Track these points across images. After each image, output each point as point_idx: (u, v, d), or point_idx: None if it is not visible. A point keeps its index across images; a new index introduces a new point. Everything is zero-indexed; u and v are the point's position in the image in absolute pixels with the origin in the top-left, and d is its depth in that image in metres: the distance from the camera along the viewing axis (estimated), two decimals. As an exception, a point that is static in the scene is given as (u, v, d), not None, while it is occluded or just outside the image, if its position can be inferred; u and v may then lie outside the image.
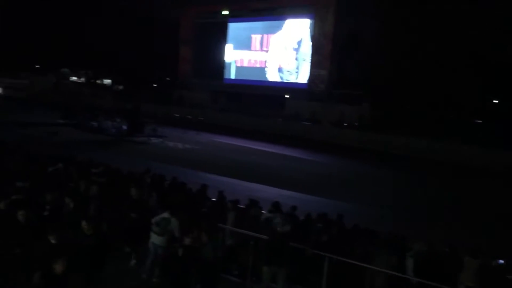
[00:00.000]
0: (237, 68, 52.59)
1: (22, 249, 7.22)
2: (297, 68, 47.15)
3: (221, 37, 52.97)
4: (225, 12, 53.21)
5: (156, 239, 9.13)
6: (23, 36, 64.85)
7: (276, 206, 11.35)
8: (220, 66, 53.37)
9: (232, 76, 53.07)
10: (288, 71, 47.82)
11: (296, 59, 47.18)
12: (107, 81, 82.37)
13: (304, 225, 10.88)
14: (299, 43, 46.76)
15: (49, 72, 71.84)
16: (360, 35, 42.04)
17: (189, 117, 44.87)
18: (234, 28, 52.46)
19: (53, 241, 6.89)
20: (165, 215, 9.24)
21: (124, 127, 35.29)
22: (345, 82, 42.75)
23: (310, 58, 45.68)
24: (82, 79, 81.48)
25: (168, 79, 64.57)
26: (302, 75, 46.68)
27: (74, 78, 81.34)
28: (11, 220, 7.92)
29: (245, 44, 51.24)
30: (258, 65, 50.44)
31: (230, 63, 53.10)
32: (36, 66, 72.85)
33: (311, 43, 45.55)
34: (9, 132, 26.51)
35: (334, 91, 43.47)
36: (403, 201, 19.80)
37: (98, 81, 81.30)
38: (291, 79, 47.63)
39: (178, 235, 9.07)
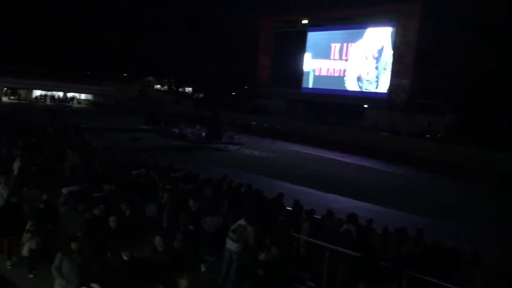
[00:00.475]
0: (315, 77, 52.29)
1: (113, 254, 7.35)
2: (377, 77, 45.99)
3: (300, 46, 53.00)
4: (305, 21, 53.26)
5: (231, 245, 9.17)
6: (111, 45, 68.86)
7: (352, 218, 11.03)
8: (298, 75, 53.37)
9: (310, 85, 52.84)
10: (368, 80, 46.77)
11: (376, 68, 46.05)
12: (188, 89, 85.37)
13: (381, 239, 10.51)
14: (380, 51, 45.60)
15: (135, 80, 75.79)
16: (444, 43, 40.28)
17: (266, 125, 45.19)
18: (313, 37, 52.29)
19: (125, 258, 6.90)
20: (242, 222, 9.29)
21: (203, 134, 36.24)
22: (428, 92, 41.10)
23: (391, 67, 44.38)
24: (165, 87, 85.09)
25: (246, 87, 65.68)
26: (382, 84, 45.46)
27: (158, 86, 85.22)
28: (105, 225, 8.45)
29: (324, 53, 50.87)
30: (336, 74, 49.83)
31: (308, 72, 52.94)
32: (124, 74, 77.11)
33: (392, 52, 44.26)
34: (98, 137, 28.18)
35: (416, 101, 41.89)
36: (483, 216, 18.64)
37: (180, 89, 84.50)
38: (371, 88, 46.53)
39: (252, 242, 9.07)
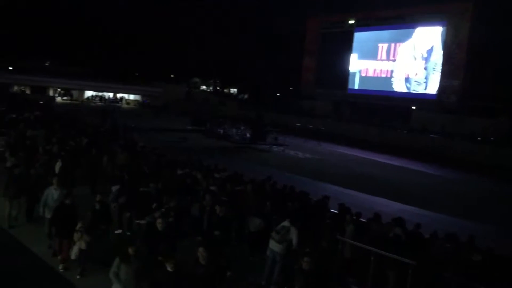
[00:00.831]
0: (362, 78, 51.50)
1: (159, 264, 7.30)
2: (426, 78, 44.75)
3: (345, 47, 52.35)
4: (351, 21, 52.59)
5: (275, 246, 9.16)
6: (159, 48, 70.45)
7: (398, 222, 10.76)
8: (344, 76, 52.73)
9: (356, 86, 52.09)
10: (416, 81, 45.59)
11: (425, 68, 44.82)
12: (233, 90, 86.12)
13: (429, 244, 10.22)
14: (429, 52, 44.35)
15: (183, 81, 77.19)
16: (496, 43, 38.72)
17: (310, 126, 44.87)
18: (360, 38, 51.53)
19: (169, 269, 6.76)
20: (286, 223, 9.26)
21: (248, 134, 36.41)
22: (480, 94, 39.60)
23: (441, 68, 43.08)
24: (211, 88, 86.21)
25: (291, 88, 65.53)
26: (431, 85, 44.20)
27: (204, 87, 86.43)
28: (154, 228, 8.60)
29: (370, 54, 50.02)
30: (383, 75, 48.88)
31: (354, 73, 52.22)
32: (171, 75, 78.68)
33: (442, 52, 42.96)
34: (146, 137, 28.88)
35: (467, 103, 40.47)
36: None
37: (225, 90, 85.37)
38: (419, 89, 45.33)
39: (295, 244, 9.02)
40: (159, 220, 8.36)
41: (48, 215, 9.60)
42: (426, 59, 44.74)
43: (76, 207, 9.41)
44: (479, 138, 35.99)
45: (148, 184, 12.63)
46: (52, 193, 9.82)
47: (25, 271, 8.69)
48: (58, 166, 13.35)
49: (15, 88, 60.97)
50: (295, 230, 9.12)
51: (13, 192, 10.70)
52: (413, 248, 9.60)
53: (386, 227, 10.68)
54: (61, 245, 8.92)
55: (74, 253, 8.61)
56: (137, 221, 10.78)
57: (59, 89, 66.57)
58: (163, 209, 9.82)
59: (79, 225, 8.78)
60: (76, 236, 8.62)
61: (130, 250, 7.17)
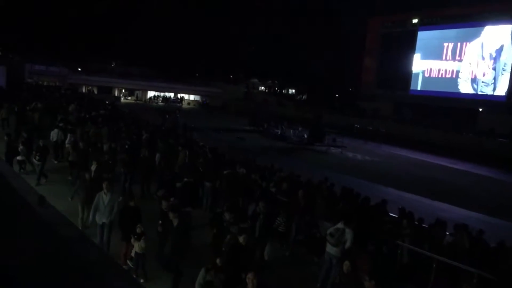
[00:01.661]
0: (425, 78, 49.80)
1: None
2: (495, 78, 42.59)
3: (408, 47, 50.84)
4: (415, 20, 51.01)
5: (331, 250, 9.02)
6: (218, 49, 71.55)
7: (462, 229, 10.27)
8: (405, 76, 51.23)
9: (419, 87, 50.44)
10: (484, 82, 43.49)
11: (494, 69, 42.65)
12: (292, 91, 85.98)
13: (496, 254, 9.68)
14: (498, 51, 42.17)
15: (241, 82, 78.01)
16: None
17: (370, 128, 43.92)
18: (424, 37, 49.86)
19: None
20: (340, 225, 9.10)
21: (305, 135, 36.20)
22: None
23: (511, 68, 40.83)
24: (269, 89, 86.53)
25: (350, 89, 64.56)
26: (500, 86, 42.01)
27: (262, 88, 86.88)
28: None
29: (435, 53, 48.26)
30: (448, 76, 47.01)
31: (417, 74, 50.60)
32: (230, 76, 79.73)
33: (513, 52, 40.74)
34: (206, 136, 29.42)
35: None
36: None
37: (284, 91, 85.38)
38: (487, 90, 43.21)
39: (349, 245, 8.84)
40: (241, 237, 7.77)
41: (99, 221, 9.21)
42: (495, 59, 42.59)
43: (140, 210, 9.24)
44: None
45: (203, 183, 12.96)
46: (103, 198, 9.38)
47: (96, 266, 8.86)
48: (92, 168, 12.79)
49: (84, 88, 64.02)
50: (350, 231, 8.95)
51: (84, 197, 10.65)
52: (477, 257, 9.17)
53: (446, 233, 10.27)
54: (127, 248, 8.85)
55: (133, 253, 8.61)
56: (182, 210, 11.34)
57: (123, 90, 69.27)
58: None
59: (137, 228, 8.62)
60: (133, 239, 8.55)
61: (218, 261, 7.10)
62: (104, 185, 9.43)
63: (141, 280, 8.39)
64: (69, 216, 9.38)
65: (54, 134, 17.19)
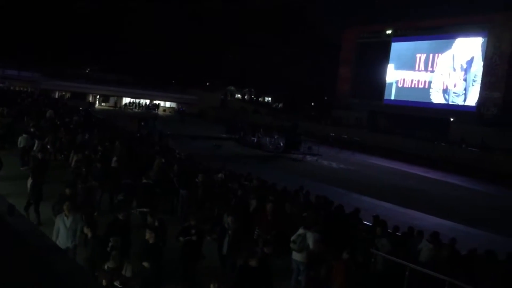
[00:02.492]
0: (398, 88, 50.69)
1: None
2: (465, 89, 43.65)
3: (382, 57, 51.70)
4: (389, 31, 51.95)
5: (296, 256, 9.16)
6: (195, 57, 71.38)
7: (435, 237, 10.44)
8: (380, 86, 52.05)
9: (392, 97, 51.29)
10: (455, 93, 44.52)
11: (465, 80, 43.73)
12: (268, 99, 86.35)
13: (466, 262, 9.88)
14: (469, 63, 43.27)
15: (217, 89, 77.93)
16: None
17: (345, 136, 44.40)
18: (397, 48, 50.81)
19: None
20: (301, 230, 9.24)
21: (281, 143, 36.33)
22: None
23: (481, 79, 41.94)
24: (246, 97, 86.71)
25: (326, 98, 65.22)
26: (470, 97, 43.07)
27: (239, 96, 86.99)
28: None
29: (408, 64, 49.22)
30: (421, 86, 47.96)
31: (391, 83, 51.45)
32: (207, 83, 79.57)
33: (482, 63, 41.83)
34: (182, 144, 29.23)
35: (509, 115, 39.15)
36: None
37: (260, 99, 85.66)
38: (458, 101, 44.23)
39: (313, 248, 8.96)
40: (252, 261, 7.22)
41: (63, 246, 8.04)
42: (466, 70, 43.68)
43: (129, 224, 8.78)
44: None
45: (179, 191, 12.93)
46: (64, 220, 8.38)
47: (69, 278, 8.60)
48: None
49: (57, 94, 62.89)
50: (311, 235, 9.06)
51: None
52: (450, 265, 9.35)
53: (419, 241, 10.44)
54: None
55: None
56: (139, 209, 11.80)
57: (98, 96, 68.36)
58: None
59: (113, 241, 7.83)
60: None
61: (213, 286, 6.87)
62: (64, 207, 8.44)
63: None
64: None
65: (22, 140, 16.87)
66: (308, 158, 33.89)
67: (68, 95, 64.12)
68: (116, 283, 7.43)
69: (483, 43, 41.97)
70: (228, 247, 9.10)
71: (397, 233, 11.02)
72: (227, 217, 9.58)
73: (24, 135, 17.06)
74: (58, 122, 23.93)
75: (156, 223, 8.74)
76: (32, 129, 18.58)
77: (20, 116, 24.32)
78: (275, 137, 38.13)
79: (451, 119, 43.61)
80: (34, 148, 16.47)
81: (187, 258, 8.59)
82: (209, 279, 7.13)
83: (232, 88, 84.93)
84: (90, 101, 64.88)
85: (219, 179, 14.44)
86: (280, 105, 79.19)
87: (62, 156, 17.33)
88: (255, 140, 38.40)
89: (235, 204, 11.84)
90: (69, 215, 8.40)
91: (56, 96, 60.53)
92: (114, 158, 15.09)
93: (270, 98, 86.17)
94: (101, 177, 12.90)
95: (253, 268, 7.15)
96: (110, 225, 8.60)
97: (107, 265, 7.37)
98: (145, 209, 11.27)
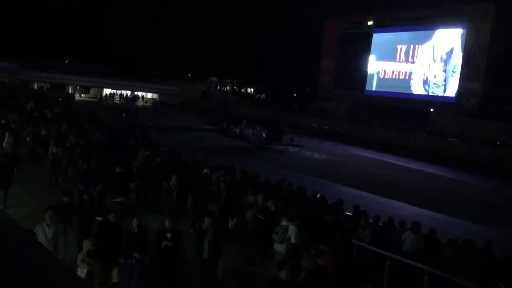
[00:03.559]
0: (380, 79, 51.09)
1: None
2: (445, 80, 44.21)
3: (364, 48, 51.99)
4: (370, 22, 52.21)
5: (277, 247, 9.27)
6: (176, 48, 70.81)
7: (416, 227, 10.58)
8: (361, 77, 52.38)
9: (374, 88, 51.68)
10: (435, 84, 45.06)
11: (445, 71, 44.27)
12: (250, 90, 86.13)
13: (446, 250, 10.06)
14: (449, 54, 43.81)
15: (199, 80, 77.45)
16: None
17: (327, 127, 44.63)
18: (379, 39, 51.13)
19: None
20: (284, 222, 9.34)
21: (264, 135, 36.36)
22: (500, 97, 38.92)
23: (461, 70, 42.50)
24: (228, 88, 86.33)
25: (308, 89, 65.36)
26: (450, 88, 43.65)
27: (221, 87, 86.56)
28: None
29: (389, 55, 49.59)
30: (402, 77, 48.42)
31: (372, 75, 51.82)
32: (188, 74, 79.03)
33: (462, 54, 42.39)
34: (164, 136, 29.04)
35: (487, 106, 39.84)
36: None
37: (242, 90, 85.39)
38: (438, 92, 44.80)
39: (294, 241, 9.03)
40: (283, 272, 6.60)
41: None
42: (446, 62, 44.21)
43: (121, 226, 8.13)
44: (498, 142, 35.38)
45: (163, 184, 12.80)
46: (45, 230, 7.48)
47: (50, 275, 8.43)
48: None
49: (35, 85, 61.79)
50: (293, 227, 9.14)
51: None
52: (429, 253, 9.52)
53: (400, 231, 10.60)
54: (102, 269, 7.42)
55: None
56: (114, 200, 11.76)
57: (78, 87, 67.37)
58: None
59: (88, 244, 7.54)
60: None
61: None
62: (47, 215, 7.52)
63: None
64: (19, 220, 9.04)
65: None
66: (291, 149, 33.99)
67: (47, 86, 63.02)
68: None
69: (462, 34, 42.50)
70: (209, 250, 8.31)
71: (379, 223, 11.13)
72: (206, 218, 8.78)
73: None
74: (37, 114, 23.55)
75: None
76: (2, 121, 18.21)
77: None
78: (258, 128, 38.10)
79: (431, 110, 44.16)
80: (4, 141, 16.17)
81: (164, 264, 8.31)
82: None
83: (214, 79, 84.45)
84: (70, 92, 63.91)
85: (204, 174, 14.27)
86: (262, 96, 79.09)
87: (42, 149, 17.03)
88: (238, 131, 38.37)
89: (222, 203, 11.57)
90: (51, 225, 7.53)
91: (35, 87, 59.47)
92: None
93: (252, 89, 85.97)
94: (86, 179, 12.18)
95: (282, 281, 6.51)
96: (100, 227, 8.32)
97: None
98: (119, 199, 11.37)
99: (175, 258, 8.32)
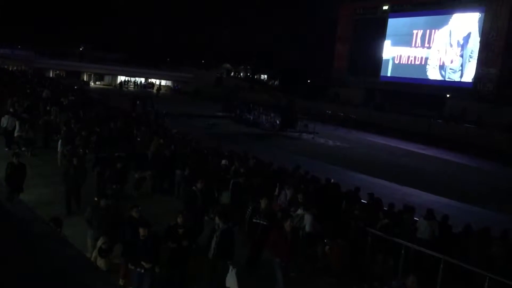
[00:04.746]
0: (395, 65, 50.47)
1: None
2: (462, 65, 43.50)
3: (379, 33, 51.30)
4: (385, 7, 51.43)
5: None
6: (190, 34, 70.71)
7: (430, 214, 10.52)
8: (376, 63, 51.78)
9: (389, 74, 51.10)
10: (452, 69, 44.38)
11: (461, 56, 43.54)
12: (264, 76, 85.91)
13: (461, 238, 10.03)
14: (466, 39, 43.02)
15: (213, 67, 77.43)
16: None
17: (341, 114, 44.35)
18: (394, 24, 50.38)
19: None
20: (300, 211, 9.40)
21: (278, 121, 36.29)
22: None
23: (478, 55, 41.75)
24: (242, 74, 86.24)
25: (322, 75, 64.92)
26: (467, 73, 42.95)
27: (235, 74, 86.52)
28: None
29: (405, 40, 48.87)
30: (418, 62, 47.75)
31: (387, 60, 51.20)
32: (202, 61, 79.00)
33: (479, 39, 41.59)
34: (178, 123, 29.18)
35: (505, 92, 39.15)
36: None
37: (256, 76, 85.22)
38: (455, 77, 44.13)
39: (309, 229, 9.05)
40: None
41: None
42: (463, 46, 43.46)
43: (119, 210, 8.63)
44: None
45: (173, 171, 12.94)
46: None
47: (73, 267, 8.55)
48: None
49: (51, 73, 62.35)
50: (309, 216, 9.18)
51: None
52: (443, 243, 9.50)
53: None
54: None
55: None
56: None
57: (92, 75, 67.79)
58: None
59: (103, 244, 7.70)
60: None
61: None
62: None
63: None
64: (36, 208, 9.15)
65: (4, 120, 16.78)
66: (304, 136, 33.89)
67: (62, 74, 63.55)
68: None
69: (480, 18, 41.65)
70: (214, 250, 7.71)
71: (393, 211, 11.09)
72: (215, 218, 8.19)
73: (5, 116, 16.94)
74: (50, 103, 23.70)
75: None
76: (11, 109, 18.36)
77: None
78: (271, 115, 38.05)
79: (448, 96, 43.57)
80: (16, 131, 16.32)
81: (175, 264, 7.77)
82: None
83: (228, 65, 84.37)
84: (85, 79, 64.38)
85: (223, 166, 13.83)
86: (276, 82, 78.84)
87: (57, 137, 17.20)
88: (251, 118, 38.36)
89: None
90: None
91: (51, 75, 60.02)
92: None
93: (266, 76, 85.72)
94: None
95: None
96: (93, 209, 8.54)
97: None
98: (114, 186, 11.52)
99: (186, 258, 7.85)
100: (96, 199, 9.24)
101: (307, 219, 9.20)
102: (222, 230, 7.71)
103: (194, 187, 10.00)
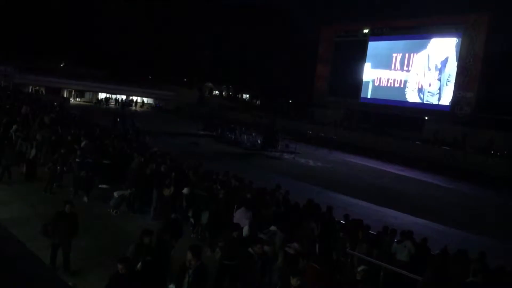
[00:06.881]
0: (374, 87, 51.27)
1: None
2: (440, 89, 44.42)
3: (359, 56, 52.19)
4: (366, 30, 52.45)
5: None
6: (173, 52, 70.83)
7: (408, 236, 10.58)
8: (357, 84, 52.54)
9: (369, 95, 51.86)
10: (430, 92, 45.28)
11: (439, 79, 44.51)
12: (246, 96, 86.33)
13: (440, 261, 10.09)
14: (444, 63, 44.05)
15: (195, 86, 77.51)
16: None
17: (322, 134, 44.73)
18: (374, 47, 51.35)
19: None
20: (272, 228, 9.53)
21: (259, 141, 36.39)
22: (495, 106, 39.20)
23: (455, 79, 42.75)
24: (224, 93, 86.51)
25: (304, 96, 65.59)
26: (444, 96, 43.86)
27: (216, 92, 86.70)
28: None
29: (384, 63, 49.81)
30: (397, 85, 48.61)
31: (367, 82, 52.00)
32: (184, 79, 79.03)
33: (457, 63, 42.64)
34: (160, 141, 29.00)
35: (482, 115, 40.07)
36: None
37: (238, 96, 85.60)
38: (432, 100, 45.01)
39: (278, 249, 9.11)
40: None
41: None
42: (440, 70, 44.45)
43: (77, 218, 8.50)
44: (491, 151, 35.60)
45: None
46: None
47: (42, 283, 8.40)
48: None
49: (30, 88, 61.53)
50: (282, 235, 9.32)
51: None
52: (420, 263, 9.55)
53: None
54: None
55: None
56: (100, 186, 13.83)
57: (73, 91, 67.12)
58: None
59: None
60: None
61: None
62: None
63: None
64: (10, 227, 8.90)
65: None
66: (285, 155, 34.03)
67: (41, 90, 62.75)
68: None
69: (457, 43, 42.76)
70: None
71: (370, 232, 11.14)
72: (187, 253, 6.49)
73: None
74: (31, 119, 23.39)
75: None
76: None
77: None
78: (253, 134, 38.17)
79: (426, 118, 44.37)
80: None
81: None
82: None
83: (210, 84, 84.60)
84: (65, 96, 63.70)
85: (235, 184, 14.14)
86: (258, 102, 79.31)
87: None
88: (233, 137, 38.40)
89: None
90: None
91: (30, 91, 59.20)
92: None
93: (248, 95, 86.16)
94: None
95: None
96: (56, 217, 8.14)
97: None
98: (105, 186, 13.53)
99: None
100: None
101: (280, 237, 9.23)
102: (195, 269, 6.46)
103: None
